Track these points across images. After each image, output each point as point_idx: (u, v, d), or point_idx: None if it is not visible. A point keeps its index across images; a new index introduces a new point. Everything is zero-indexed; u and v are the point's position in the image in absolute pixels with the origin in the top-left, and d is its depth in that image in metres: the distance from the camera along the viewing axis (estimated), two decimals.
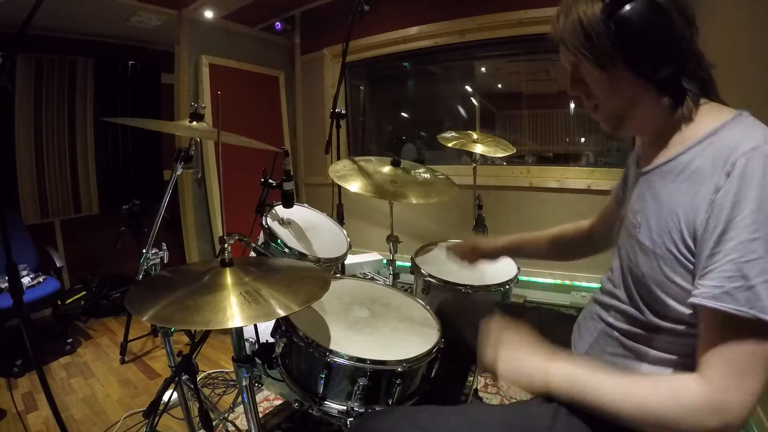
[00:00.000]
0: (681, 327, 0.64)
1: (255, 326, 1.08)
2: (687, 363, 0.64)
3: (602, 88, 0.68)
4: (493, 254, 1.21)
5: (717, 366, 0.56)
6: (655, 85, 0.65)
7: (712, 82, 0.67)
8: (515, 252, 1.25)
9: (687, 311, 0.62)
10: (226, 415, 1.61)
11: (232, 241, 0.89)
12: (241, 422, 1.69)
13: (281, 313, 0.75)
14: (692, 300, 0.59)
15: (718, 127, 0.62)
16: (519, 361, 0.73)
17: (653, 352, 0.68)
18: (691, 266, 0.60)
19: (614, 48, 0.62)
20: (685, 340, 0.64)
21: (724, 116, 0.63)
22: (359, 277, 1.40)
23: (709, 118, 0.64)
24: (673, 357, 0.67)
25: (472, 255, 1.21)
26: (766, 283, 0.53)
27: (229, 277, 0.83)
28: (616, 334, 0.74)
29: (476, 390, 1.93)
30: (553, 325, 0.93)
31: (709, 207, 0.58)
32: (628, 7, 0.60)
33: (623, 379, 0.64)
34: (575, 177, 2.61)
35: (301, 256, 1.27)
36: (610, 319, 0.76)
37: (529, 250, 1.16)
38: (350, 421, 0.91)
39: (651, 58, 0.62)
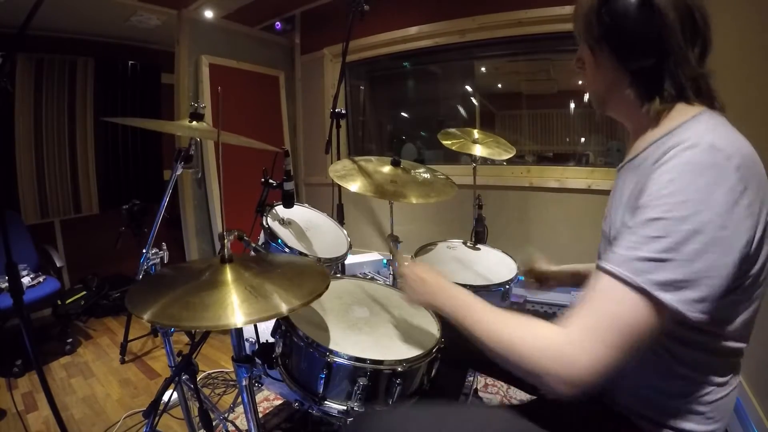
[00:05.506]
0: None
1: (255, 326, 1.08)
2: (673, 362, 0.64)
3: (590, 69, 0.75)
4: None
5: (579, 319, 0.58)
6: (630, 75, 0.69)
7: (702, 90, 0.67)
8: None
9: None
10: (226, 415, 1.61)
11: (231, 237, 0.89)
12: (241, 422, 1.69)
13: (285, 307, 0.74)
14: (599, 264, 0.60)
15: (675, 126, 0.64)
16: (425, 276, 0.87)
17: None
18: None
19: (602, 34, 0.69)
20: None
21: (687, 115, 0.65)
22: (359, 277, 1.40)
23: (676, 118, 0.66)
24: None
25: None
26: (657, 261, 0.55)
27: (229, 274, 0.82)
28: None
29: (476, 390, 1.93)
30: None
31: (639, 192, 0.61)
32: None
33: (500, 314, 0.69)
34: (575, 177, 2.61)
35: (302, 255, 1.27)
36: None
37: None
38: (348, 420, 0.91)
39: (627, 49, 0.67)
